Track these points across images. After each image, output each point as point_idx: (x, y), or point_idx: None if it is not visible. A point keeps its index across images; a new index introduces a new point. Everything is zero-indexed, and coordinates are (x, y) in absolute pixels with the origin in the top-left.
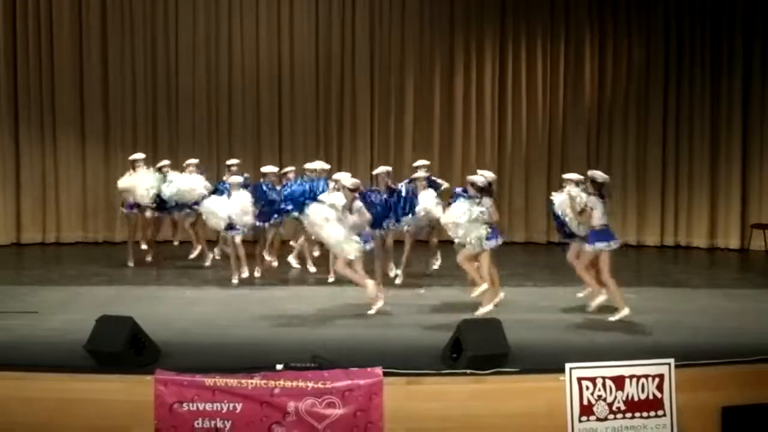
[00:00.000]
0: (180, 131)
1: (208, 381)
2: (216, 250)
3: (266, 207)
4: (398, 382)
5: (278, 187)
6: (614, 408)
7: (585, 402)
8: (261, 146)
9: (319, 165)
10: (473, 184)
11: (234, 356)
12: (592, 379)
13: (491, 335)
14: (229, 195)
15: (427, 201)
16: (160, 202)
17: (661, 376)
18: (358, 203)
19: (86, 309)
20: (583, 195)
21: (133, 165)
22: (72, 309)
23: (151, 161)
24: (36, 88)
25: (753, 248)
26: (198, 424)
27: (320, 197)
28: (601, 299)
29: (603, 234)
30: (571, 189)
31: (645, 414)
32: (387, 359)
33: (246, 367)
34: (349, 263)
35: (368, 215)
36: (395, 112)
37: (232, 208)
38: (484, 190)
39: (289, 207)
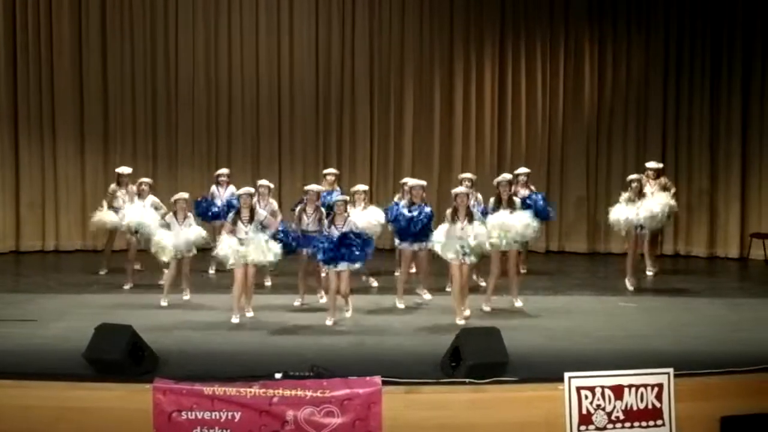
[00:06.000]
0: (179, 139)
1: (207, 390)
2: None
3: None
4: (397, 391)
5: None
6: (613, 417)
7: (584, 411)
8: (260, 155)
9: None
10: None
11: (233, 365)
12: (591, 389)
13: (490, 344)
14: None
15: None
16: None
17: (660, 386)
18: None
19: (85, 317)
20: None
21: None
22: (71, 317)
23: (150, 167)
24: (36, 95)
25: (752, 257)
26: None
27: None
28: None
29: None
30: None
31: (644, 423)
32: (386, 368)
33: (245, 376)
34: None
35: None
36: (395, 120)
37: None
38: None
39: None
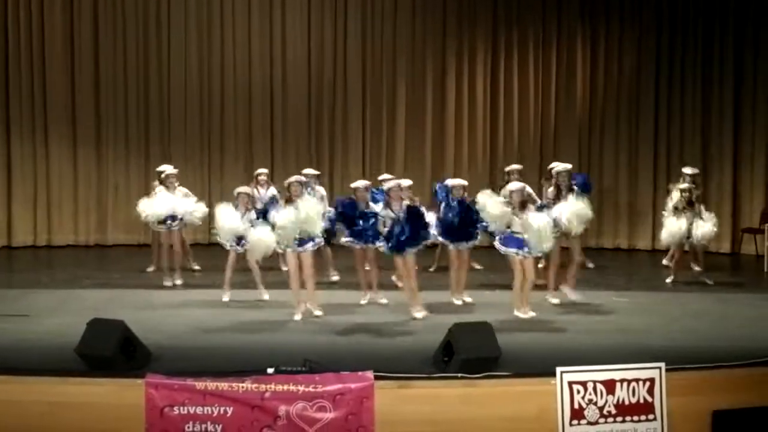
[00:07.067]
0: (172, 137)
1: (199, 385)
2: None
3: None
4: (389, 385)
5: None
6: (605, 412)
7: (576, 406)
8: (253, 154)
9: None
10: None
11: (225, 360)
12: (583, 383)
13: (483, 339)
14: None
15: None
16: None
17: (651, 380)
18: None
19: (77, 312)
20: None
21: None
22: (63, 312)
23: (143, 164)
24: (28, 90)
25: (744, 252)
26: (189, 427)
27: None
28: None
29: None
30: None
31: (636, 418)
32: (378, 363)
33: (237, 371)
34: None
35: None
36: (387, 118)
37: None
38: None
39: None
